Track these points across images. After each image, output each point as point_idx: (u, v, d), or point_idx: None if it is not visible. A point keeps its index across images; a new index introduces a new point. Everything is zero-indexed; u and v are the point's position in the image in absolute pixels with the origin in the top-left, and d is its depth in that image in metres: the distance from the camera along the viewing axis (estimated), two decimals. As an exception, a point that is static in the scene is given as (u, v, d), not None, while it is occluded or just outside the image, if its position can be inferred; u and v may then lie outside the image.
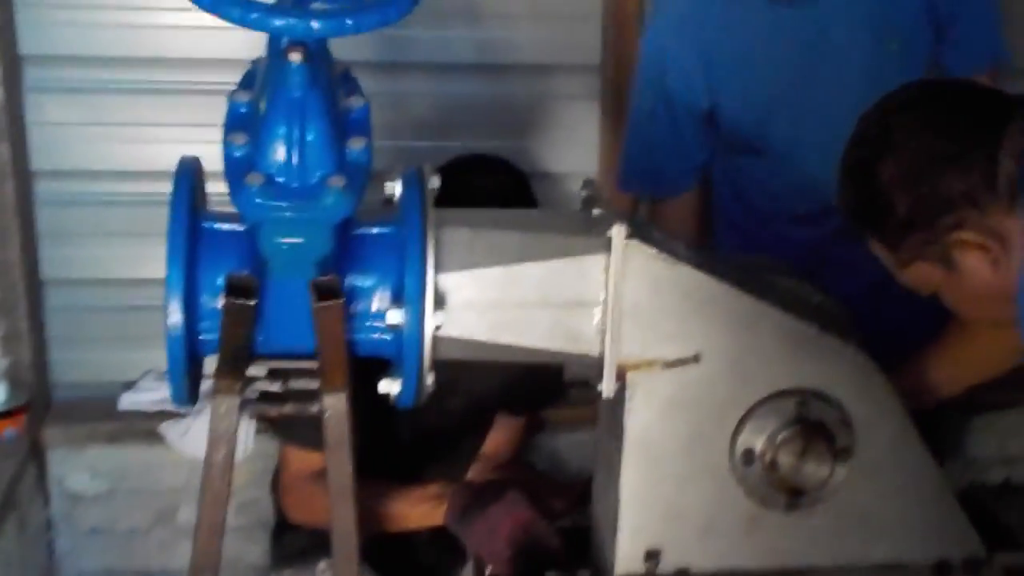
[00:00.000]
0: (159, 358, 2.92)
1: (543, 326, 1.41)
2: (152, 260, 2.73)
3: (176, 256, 1.32)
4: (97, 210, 2.80)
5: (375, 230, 1.40)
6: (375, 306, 1.38)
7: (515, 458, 2.25)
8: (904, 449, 1.53)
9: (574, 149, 2.84)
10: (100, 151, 2.77)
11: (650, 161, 2.34)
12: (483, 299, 1.39)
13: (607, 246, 1.40)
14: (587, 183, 1.54)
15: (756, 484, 1.48)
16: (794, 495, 1.49)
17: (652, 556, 1.51)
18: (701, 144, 2.32)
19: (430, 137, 2.74)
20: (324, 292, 1.25)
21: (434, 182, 1.40)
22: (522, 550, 1.67)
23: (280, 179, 1.24)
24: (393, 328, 1.36)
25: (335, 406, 1.38)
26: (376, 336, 1.38)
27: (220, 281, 1.31)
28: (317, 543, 2.07)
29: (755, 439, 1.47)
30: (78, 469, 2.75)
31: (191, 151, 1.42)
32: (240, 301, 1.23)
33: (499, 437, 2.20)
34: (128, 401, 2.81)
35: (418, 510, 1.90)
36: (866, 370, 1.50)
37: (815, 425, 1.47)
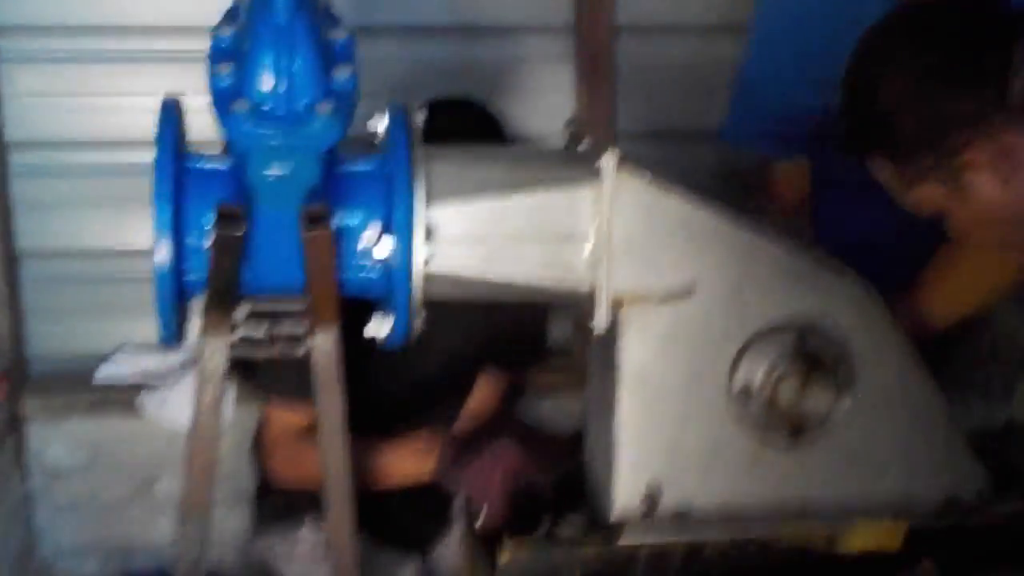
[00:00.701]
0: (137, 330, 2.90)
1: (534, 260, 1.39)
2: (128, 230, 2.74)
3: (163, 194, 1.28)
4: (73, 181, 2.76)
5: (360, 167, 1.37)
6: (363, 243, 1.34)
7: (501, 414, 2.21)
8: (908, 381, 1.53)
9: (548, 111, 2.79)
10: (75, 121, 2.75)
11: (769, 118, 2.21)
12: (472, 232, 1.37)
13: (597, 176, 1.37)
14: (571, 121, 1.52)
15: (755, 421, 1.47)
16: (794, 432, 1.47)
17: (651, 495, 1.49)
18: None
19: (402, 101, 2.69)
20: (313, 220, 1.20)
21: (420, 117, 1.36)
22: (516, 497, 1.64)
23: (267, 107, 1.22)
24: (382, 263, 1.33)
25: (325, 345, 1.35)
26: (365, 274, 1.35)
27: (207, 219, 1.29)
28: (300, 504, 2.05)
29: (753, 374, 1.46)
30: (56, 442, 2.72)
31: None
32: (229, 231, 1.18)
33: (484, 393, 2.17)
34: (105, 373, 2.76)
35: (405, 463, 1.87)
36: (866, 300, 1.49)
37: (814, 358, 1.45)
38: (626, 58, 2.82)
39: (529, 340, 2.20)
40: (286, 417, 1.95)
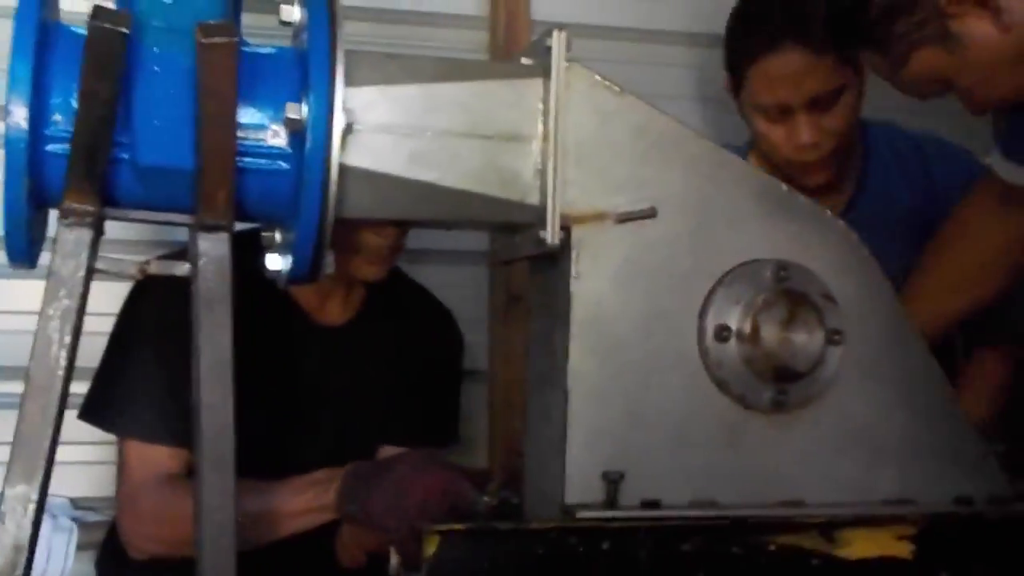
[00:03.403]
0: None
1: (471, 162, 1.26)
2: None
3: (22, 45, 1.11)
4: None
5: (271, 50, 1.23)
6: (271, 131, 1.18)
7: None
8: (902, 347, 1.39)
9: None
10: None
11: None
12: (399, 122, 1.25)
13: (545, 71, 1.25)
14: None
15: (735, 369, 1.30)
16: (781, 379, 1.29)
17: (612, 480, 1.28)
18: None
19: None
20: (214, 31, 1.04)
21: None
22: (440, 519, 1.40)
23: None
24: (292, 154, 1.16)
25: (215, 250, 1.16)
26: (269, 166, 1.18)
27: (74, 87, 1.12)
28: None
29: (729, 311, 1.30)
30: None
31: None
32: (109, 26, 1.01)
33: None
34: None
35: (301, 498, 1.59)
36: (848, 242, 1.38)
37: (798, 294, 1.30)
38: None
39: (437, 423, 1.97)
40: (150, 456, 1.67)
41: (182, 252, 1.23)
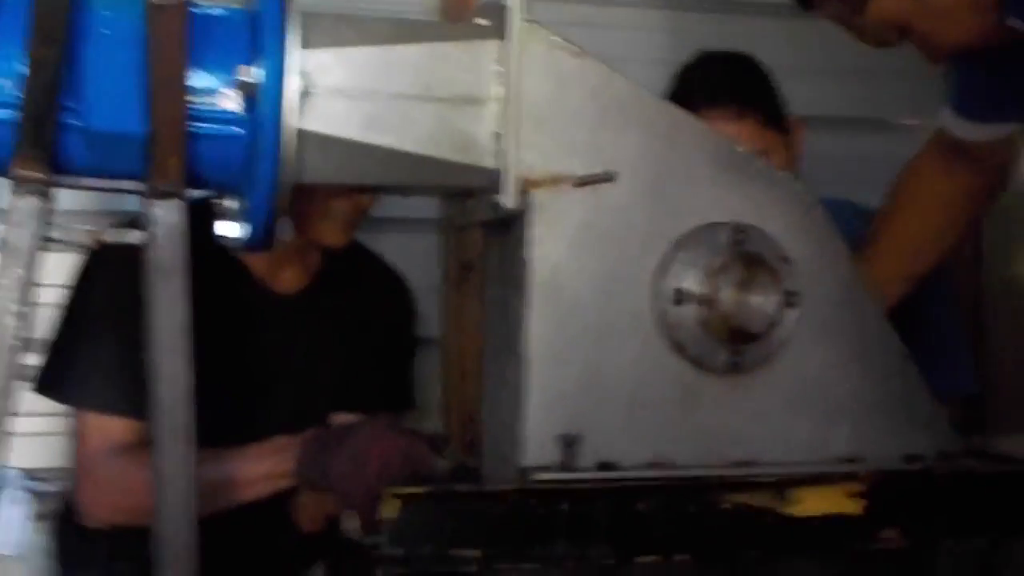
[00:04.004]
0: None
1: (427, 125, 1.25)
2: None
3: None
4: None
5: (220, 11, 1.20)
6: (223, 102, 1.16)
7: None
8: (855, 308, 1.40)
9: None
10: None
11: None
12: (354, 85, 1.23)
13: (500, 32, 1.23)
14: None
15: (692, 331, 1.30)
16: (737, 341, 1.29)
17: (569, 443, 1.27)
18: None
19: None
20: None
21: None
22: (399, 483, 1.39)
23: None
24: (246, 119, 1.14)
25: (168, 217, 1.14)
26: (223, 131, 1.16)
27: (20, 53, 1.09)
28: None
29: (686, 274, 1.30)
30: None
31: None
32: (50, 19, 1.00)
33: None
34: None
35: (259, 466, 1.59)
36: (804, 205, 1.37)
37: (754, 256, 1.30)
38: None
39: (393, 390, 1.97)
40: (107, 427, 1.66)
41: (135, 221, 1.21)
